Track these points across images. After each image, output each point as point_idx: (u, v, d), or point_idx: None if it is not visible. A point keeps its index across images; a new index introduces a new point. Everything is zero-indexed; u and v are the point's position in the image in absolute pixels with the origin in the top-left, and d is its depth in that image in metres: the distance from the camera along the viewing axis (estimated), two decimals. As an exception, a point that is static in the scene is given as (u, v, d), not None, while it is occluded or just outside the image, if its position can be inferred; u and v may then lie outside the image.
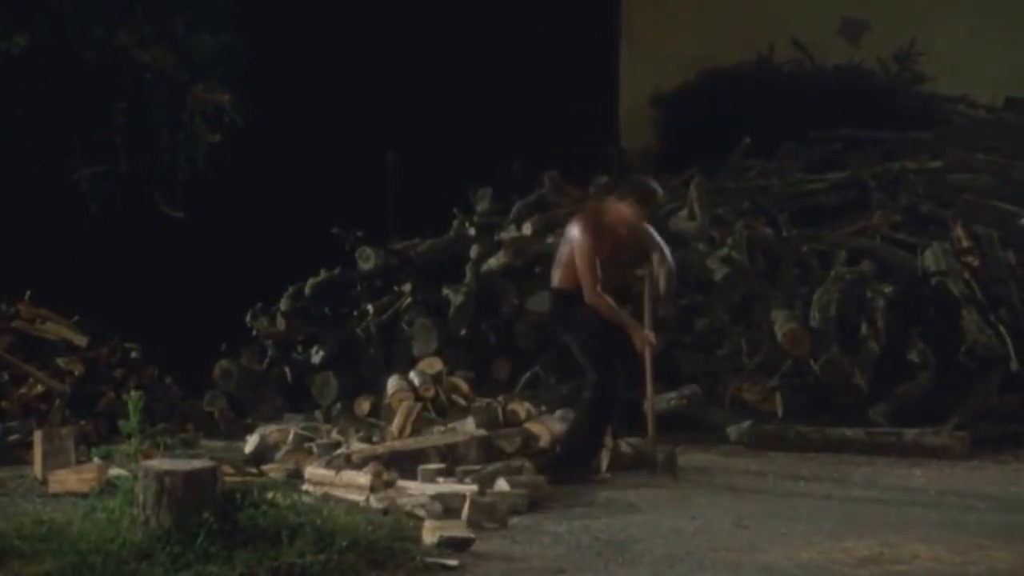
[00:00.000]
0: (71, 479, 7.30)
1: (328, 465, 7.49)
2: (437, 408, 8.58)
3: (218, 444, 9.21)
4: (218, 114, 9.97)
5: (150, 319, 10.48)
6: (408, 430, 7.97)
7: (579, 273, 7.79)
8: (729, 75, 15.52)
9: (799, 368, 9.40)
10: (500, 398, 8.71)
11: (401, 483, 7.17)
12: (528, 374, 10.00)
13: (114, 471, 7.02)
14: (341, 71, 12.68)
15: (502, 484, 7.05)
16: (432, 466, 7.33)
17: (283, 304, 11.02)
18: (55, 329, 9.68)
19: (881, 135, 13.47)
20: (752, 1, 15.33)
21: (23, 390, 9.12)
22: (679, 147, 14.21)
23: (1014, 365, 9.18)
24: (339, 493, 7.13)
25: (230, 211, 11.73)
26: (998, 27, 14.78)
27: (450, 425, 8.15)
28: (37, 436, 7.90)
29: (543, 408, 8.69)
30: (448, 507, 6.59)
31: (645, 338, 7.83)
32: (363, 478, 7.13)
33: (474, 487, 6.91)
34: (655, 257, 8.01)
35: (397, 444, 7.81)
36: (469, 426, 8.02)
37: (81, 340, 9.67)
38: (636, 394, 7.97)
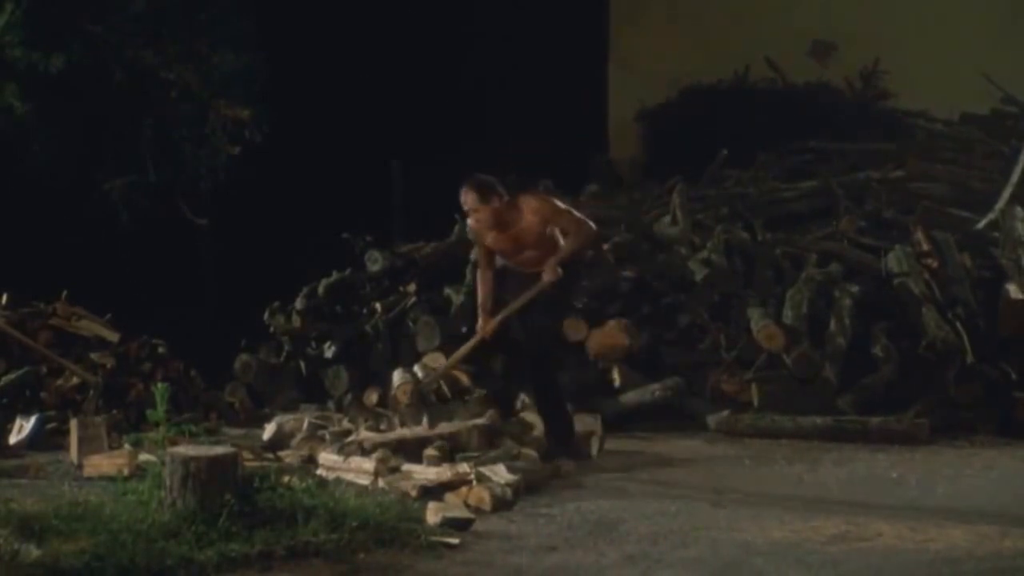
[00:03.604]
0: (104, 464, 7.30)
1: (340, 452, 7.50)
2: (439, 398, 8.58)
3: (238, 432, 9.19)
4: (238, 128, 9.98)
5: (176, 317, 10.48)
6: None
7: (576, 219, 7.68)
8: (708, 92, 15.54)
9: (773, 362, 9.40)
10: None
11: (407, 467, 7.17)
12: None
13: (143, 456, 7.02)
14: (349, 87, 12.69)
15: (501, 469, 7.05)
16: (434, 451, 7.33)
17: (298, 303, 11.01)
18: (89, 326, 9.67)
19: (848, 147, 13.49)
20: (729, 24, 15.36)
21: (60, 382, 9.12)
22: (662, 158, 14.23)
23: (969, 358, 9.18)
24: (349, 477, 7.14)
25: (249, 218, 11.73)
26: (955, 49, 14.80)
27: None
28: (73, 424, 7.91)
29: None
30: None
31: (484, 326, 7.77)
32: (369, 464, 7.13)
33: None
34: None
35: (405, 432, 7.81)
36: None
37: (113, 336, 9.66)
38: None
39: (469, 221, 7.80)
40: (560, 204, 7.78)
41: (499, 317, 7.74)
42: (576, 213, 7.74)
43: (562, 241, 7.68)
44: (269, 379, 10.60)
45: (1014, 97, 14.36)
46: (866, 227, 11.24)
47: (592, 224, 7.76)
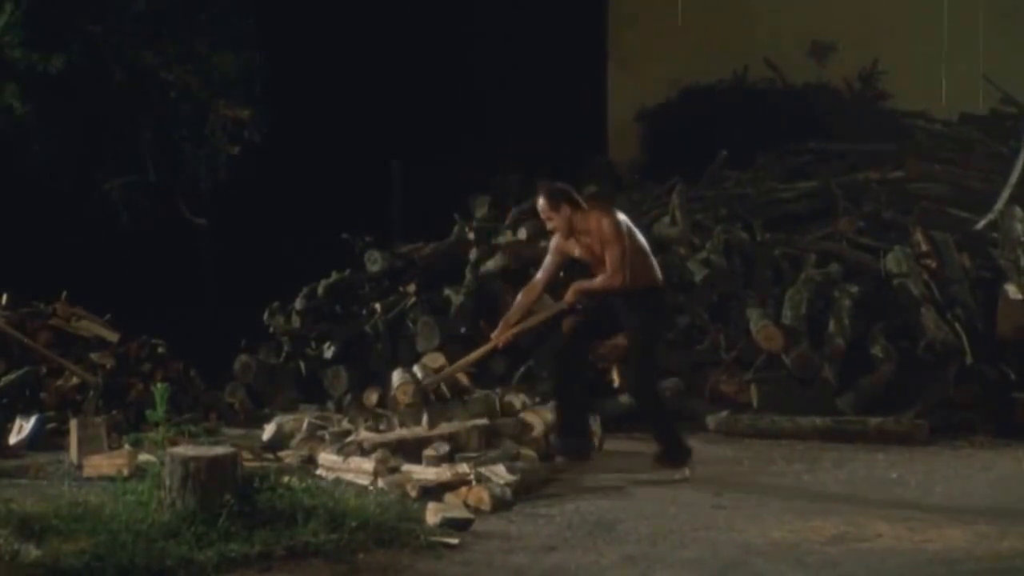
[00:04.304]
0: (104, 464, 7.30)
1: (340, 452, 7.50)
2: (439, 398, 8.57)
3: (238, 432, 9.19)
4: (238, 128, 9.99)
5: (175, 317, 10.47)
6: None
7: (615, 260, 7.44)
8: (708, 92, 15.54)
9: (772, 362, 9.40)
10: (497, 390, 8.71)
11: (407, 467, 7.17)
12: (523, 368, 10.00)
13: (143, 457, 7.02)
14: (350, 88, 12.69)
15: (500, 469, 7.05)
16: (434, 452, 7.33)
17: (298, 303, 11.02)
18: (88, 326, 9.67)
19: (847, 147, 13.50)
20: (729, 24, 15.35)
21: (60, 382, 9.11)
22: (662, 159, 14.23)
23: (968, 359, 9.19)
24: (349, 477, 7.14)
25: (249, 218, 11.73)
26: (953, 49, 14.81)
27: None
28: (73, 424, 7.91)
29: (536, 399, 8.69)
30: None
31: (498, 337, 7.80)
32: (369, 464, 7.13)
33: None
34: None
35: (405, 433, 7.81)
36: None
37: (112, 336, 9.66)
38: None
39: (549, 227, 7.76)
40: (616, 235, 7.47)
41: (515, 329, 7.78)
42: (619, 255, 7.47)
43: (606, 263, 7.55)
44: (269, 379, 10.60)
45: (1013, 97, 14.37)
46: (865, 228, 11.24)
47: (621, 277, 7.47)
